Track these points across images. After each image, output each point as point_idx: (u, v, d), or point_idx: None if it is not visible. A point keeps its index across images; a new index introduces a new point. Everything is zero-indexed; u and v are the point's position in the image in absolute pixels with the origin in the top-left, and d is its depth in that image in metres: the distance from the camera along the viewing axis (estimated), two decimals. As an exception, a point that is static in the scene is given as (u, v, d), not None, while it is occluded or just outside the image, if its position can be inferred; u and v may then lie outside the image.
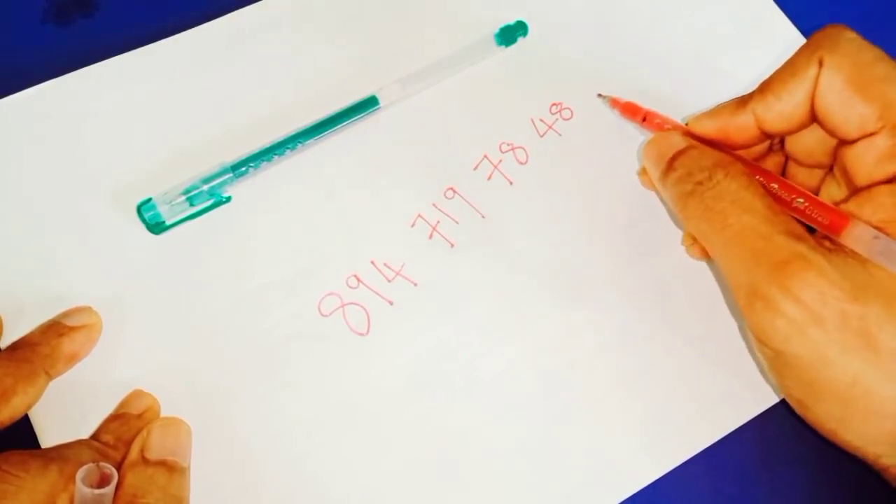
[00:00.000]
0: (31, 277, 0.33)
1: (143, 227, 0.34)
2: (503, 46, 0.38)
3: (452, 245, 0.35)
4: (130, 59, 0.37)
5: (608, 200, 0.36)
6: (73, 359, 0.31)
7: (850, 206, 0.29)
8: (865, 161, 0.29)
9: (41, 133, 0.36)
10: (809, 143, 0.32)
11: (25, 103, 0.36)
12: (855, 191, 0.29)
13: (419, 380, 0.33)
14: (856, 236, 0.28)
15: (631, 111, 0.36)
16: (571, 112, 0.38)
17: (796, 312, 0.26)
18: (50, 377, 0.30)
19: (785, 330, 0.26)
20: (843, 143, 0.30)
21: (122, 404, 0.31)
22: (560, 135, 0.37)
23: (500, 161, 0.37)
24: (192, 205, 0.34)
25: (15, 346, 0.30)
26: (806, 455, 0.32)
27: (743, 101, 0.31)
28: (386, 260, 0.35)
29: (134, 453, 0.29)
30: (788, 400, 0.29)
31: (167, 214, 0.34)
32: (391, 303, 0.34)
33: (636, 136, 0.37)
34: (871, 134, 0.28)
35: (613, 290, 0.34)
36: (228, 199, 0.35)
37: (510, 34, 0.38)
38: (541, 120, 0.37)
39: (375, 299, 0.34)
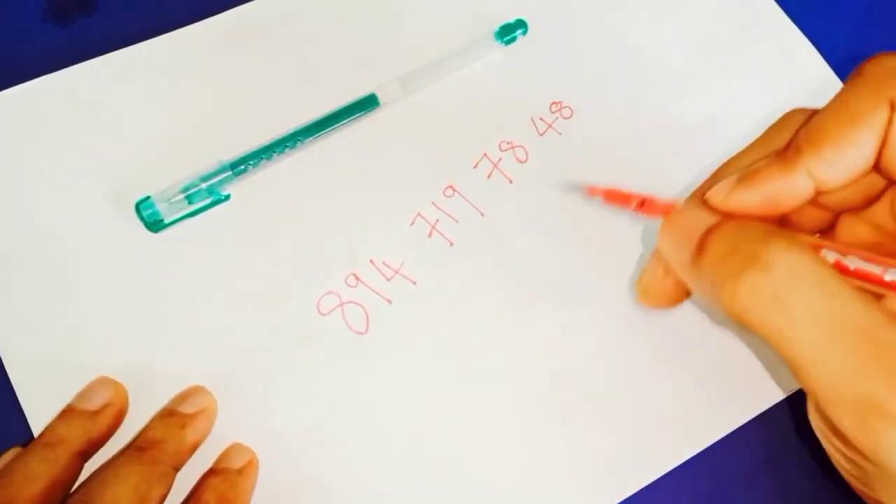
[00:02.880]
0: (27, 274, 0.33)
1: (141, 225, 0.34)
2: (503, 44, 0.38)
3: (452, 244, 0.35)
4: (128, 55, 0.37)
5: (608, 199, 0.36)
6: (196, 447, 0.30)
7: None
8: None
9: (38, 129, 0.36)
10: (848, 193, 0.26)
11: (22, 98, 0.36)
12: None
13: (418, 379, 0.33)
14: None
15: (619, 199, 0.29)
16: (571, 111, 0.38)
17: None
18: (177, 471, 0.29)
19: None
20: None
21: (221, 458, 0.30)
22: (560, 133, 0.37)
23: (500, 160, 0.37)
24: (190, 203, 0.34)
25: (140, 447, 0.29)
26: (807, 454, 0.32)
27: (788, 160, 0.24)
28: (385, 258, 0.34)
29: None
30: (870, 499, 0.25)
31: (166, 213, 0.33)
32: (390, 301, 0.34)
33: (637, 135, 0.37)
34: None
35: (613, 289, 0.34)
36: (227, 197, 0.35)
37: (510, 32, 0.38)
38: (541, 119, 0.37)
39: (374, 298, 0.34)
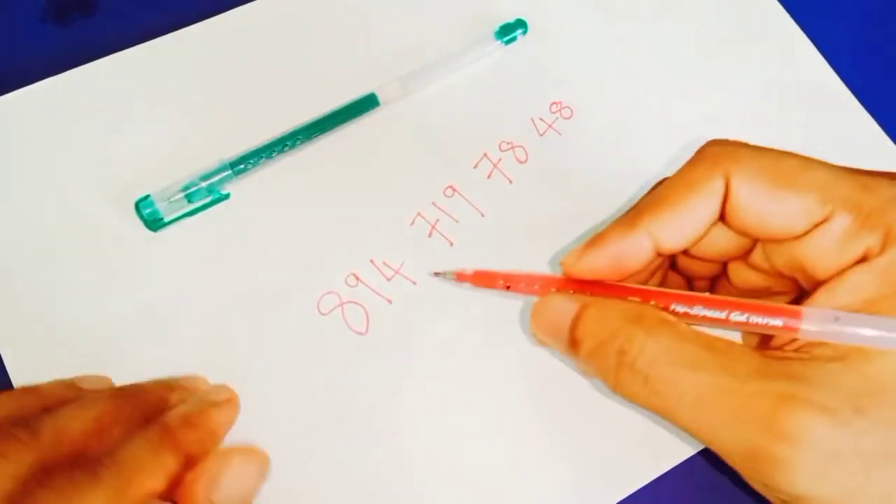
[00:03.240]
0: (27, 274, 0.33)
1: (141, 224, 0.34)
2: (503, 44, 0.38)
3: (452, 244, 0.35)
4: (129, 56, 0.37)
5: (608, 200, 0.36)
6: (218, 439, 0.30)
7: (819, 299, 0.25)
8: (825, 248, 0.25)
9: (39, 130, 0.36)
10: (709, 248, 0.29)
11: (23, 101, 0.36)
12: (816, 283, 0.26)
13: (418, 378, 0.32)
14: (820, 321, 0.24)
15: (485, 280, 0.30)
16: (571, 111, 0.38)
17: (811, 459, 0.23)
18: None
19: (805, 480, 0.23)
20: (774, 241, 0.27)
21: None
22: (560, 134, 0.37)
23: (500, 160, 0.36)
24: (190, 202, 0.34)
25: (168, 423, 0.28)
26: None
27: (630, 222, 0.27)
28: (385, 258, 0.34)
29: (200, 494, 0.27)
30: None
31: (165, 211, 0.33)
32: (390, 301, 0.34)
33: (637, 136, 0.37)
34: (822, 222, 0.25)
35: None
36: (227, 196, 0.35)
37: (510, 32, 0.38)
38: (541, 119, 0.37)
39: (374, 298, 0.34)
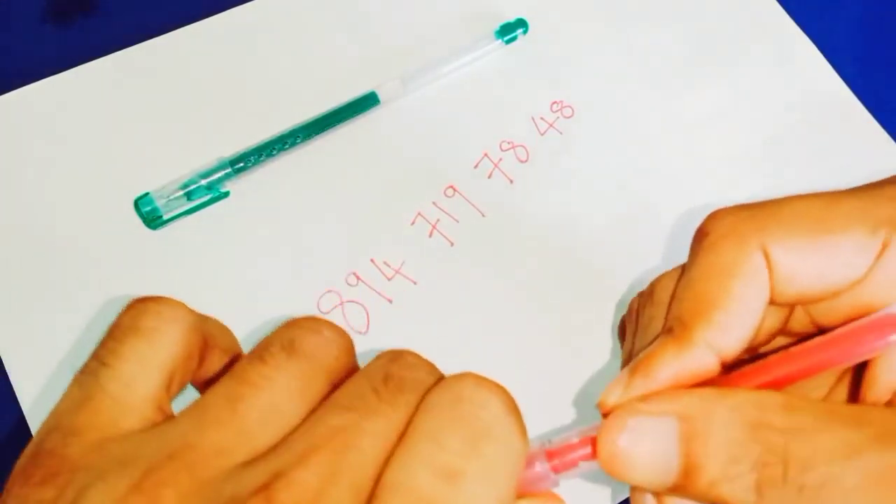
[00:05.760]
0: (27, 271, 0.33)
1: (140, 222, 0.34)
2: (504, 43, 0.38)
3: (452, 244, 0.35)
4: (129, 56, 0.37)
5: (608, 199, 0.36)
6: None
7: None
8: (892, 280, 0.22)
9: (39, 129, 0.36)
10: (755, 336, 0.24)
11: (23, 100, 0.36)
12: None
13: (418, 378, 0.32)
14: None
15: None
16: (572, 110, 0.37)
17: None
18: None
19: None
20: (831, 296, 0.23)
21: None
22: (561, 133, 0.37)
23: (501, 159, 0.36)
24: (189, 200, 0.34)
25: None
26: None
27: (680, 338, 0.22)
28: (385, 258, 0.34)
29: None
30: None
31: (165, 209, 0.33)
32: (391, 301, 0.34)
33: (638, 134, 0.37)
34: (882, 251, 0.22)
35: (613, 289, 0.34)
36: (226, 194, 0.34)
37: (510, 31, 0.38)
38: (541, 118, 0.37)
39: (375, 297, 0.34)
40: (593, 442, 0.21)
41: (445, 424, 0.18)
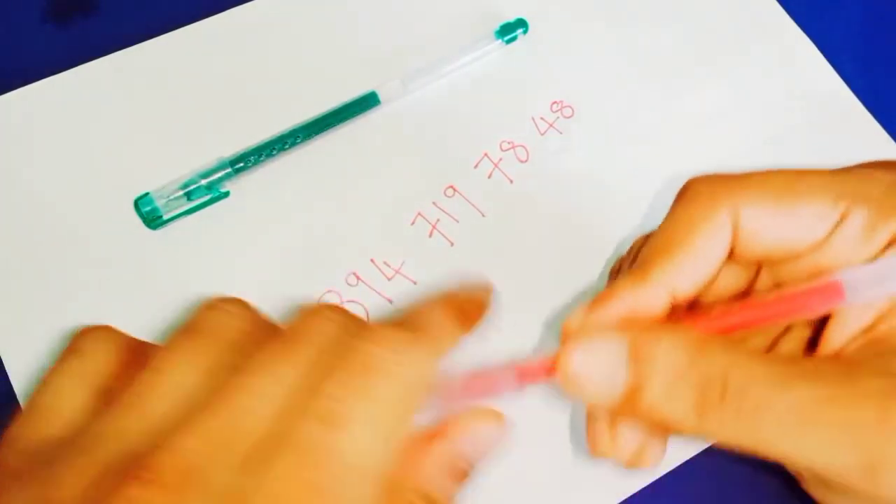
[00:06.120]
0: (27, 272, 0.33)
1: (140, 222, 0.34)
2: (504, 43, 0.38)
3: (452, 244, 0.35)
4: (128, 55, 0.37)
5: (609, 199, 0.36)
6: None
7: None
8: (848, 247, 0.24)
9: (38, 129, 0.36)
10: (715, 291, 0.27)
11: (23, 100, 0.36)
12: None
13: (418, 378, 0.32)
14: (857, 283, 0.23)
15: (482, 387, 0.25)
16: (572, 110, 0.37)
17: None
18: None
19: None
20: (789, 259, 0.25)
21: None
22: (561, 133, 0.37)
23: (501, 160, 0.36)
24: (189, 200, 0.34)
25: None
26: (809, 454, 0.32)
27: (640, 275, 0.24)
28: (385, 258, 0.34)
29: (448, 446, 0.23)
30: None
31: (165, 209, 0.33)
32: (391, 301, 0.34)
33: (638, 134, 0.37)
34: (840, 221, 0.24)
35: (614, 289, 0.34)
36: (227, 194, 0.34)
37: (510, 31, 0.38)
38: (541, 118, 0.37)
39: (375, 297, 0.34)
40: (553, 362, 0.23)
41: (327, 372, 0.19)
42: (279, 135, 0.35)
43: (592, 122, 0.37)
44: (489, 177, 0.36)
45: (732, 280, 0.27)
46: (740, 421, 0.21)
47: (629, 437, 0.25)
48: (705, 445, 0.32)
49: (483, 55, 0.38)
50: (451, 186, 0.36)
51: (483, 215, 0.35)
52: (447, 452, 0.23)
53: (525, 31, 0.38)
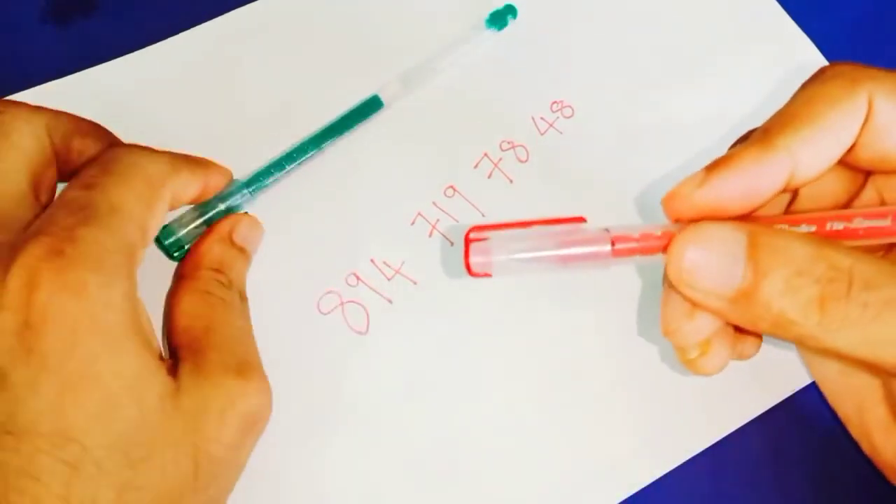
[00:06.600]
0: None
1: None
2: (496, 31, 0.38)
3: (452, 244, 0.35)
4: (129, 61, 0.37)
5: (609, 199, 0.36)
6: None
7: None
8: None
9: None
10: (818, 194, 0.26)
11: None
12: None
13: (418, 378, 0.32)
14: None
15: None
16: (573, 110, 0.37)
17: None
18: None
19: None
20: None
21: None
22: (561, 133, 0.37)
23: (501, 159, 0.36)
24: (208, 225, 0.32)
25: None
26: (810, 454, 0.32)
27: (766, 141, 0.22)
28: (385, 258, 0.34)
29: (223, 230, 0.31)
30: None
31: (186, 239, 0.32)
32: (391, 301, 0.34)
33: (638, 134, 0.37)
34: None
35: (613, 289, 0.34)
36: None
37: (501, 18, 0.38)
38: (542, 118, 0.37)
39: (375, 297, 0.34)
40: (651, 238, 0.22)
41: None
42: (290, 150, 0.35)
43: (592, 122, 0.37)
44: (489, 177, 0.36)
45: (837, 186, 0.25)
46: (865, 317, 0.20)
47: (704, 322, 0.23)
48: (703, 447, 0.32)
49: (477, 44, 0.38)
50: (451, 186, 0.36)
51: (483, 215, 0.35)
52: (222, 233, 0.31)
53: (514, 17, 0.38)
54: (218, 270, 0.30)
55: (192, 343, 0.28)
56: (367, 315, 0.33)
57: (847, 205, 0.26)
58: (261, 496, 0.30)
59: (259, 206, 0.35)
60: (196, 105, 0.37)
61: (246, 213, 0.33)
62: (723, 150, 0.37)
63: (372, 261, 0.34)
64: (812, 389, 0.33)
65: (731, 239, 0.21)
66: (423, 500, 0.31)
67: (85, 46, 0.38)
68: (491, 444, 0.32)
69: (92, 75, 0.37)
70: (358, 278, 0.34)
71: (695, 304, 0.22)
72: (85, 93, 0.37)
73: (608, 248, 0.22)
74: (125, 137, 0.35)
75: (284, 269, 0.34)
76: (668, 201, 0.23)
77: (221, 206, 0.33)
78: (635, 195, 0.36)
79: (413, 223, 0.35)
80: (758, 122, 0.37)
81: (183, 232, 0.32)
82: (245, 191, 0.33)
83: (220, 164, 0.32)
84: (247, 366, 0.28)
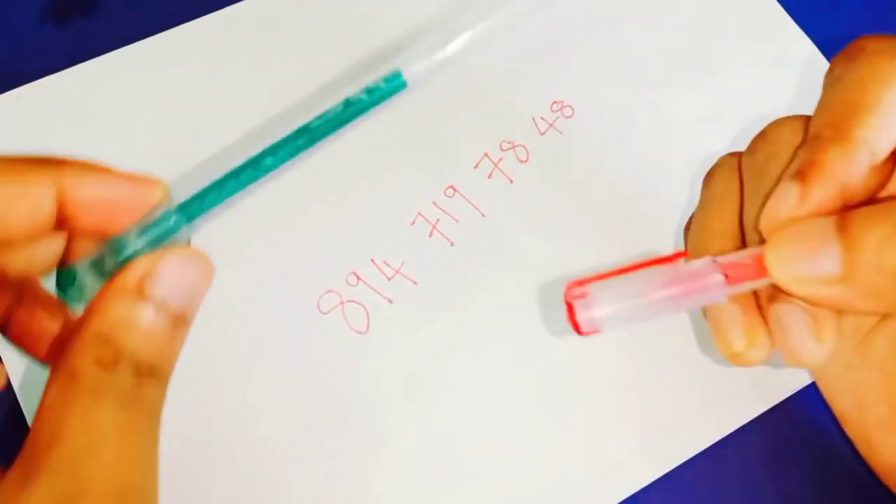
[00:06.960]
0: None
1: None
2: None
3: (452, 243, 0.35)
4: (127, 54, 0.37)
5: (609, 199, 0.36)
6: None
7: None
8: None
9: (38, 129, 0.36)
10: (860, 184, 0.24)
11: (22, 100, 0.36)
12: None
13: (418, 378, 0.32)
14: None
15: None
16: (573, 110, 0.37)
17: None
18: None
19: None
20: None
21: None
22: (561, 133, 0.37)
23: (501, 159, 0.36)
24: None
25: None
26: (809, 454, 0.32)
27: (841, 139, 0.21)
28: (385, 258, 0.34)
29: (129, 277, 0.20)
30: None
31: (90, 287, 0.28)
32: (391, 301, 0.34)
33: (638, 134, 0.37)
34: None
35: (614, 289, 0.34)
36: None
37: None
38: (542, 118, 0.37)
39: (375, 297, 0.34)
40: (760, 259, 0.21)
41: None
42: (287, 142, 0.34)
43: (592, 122, 0.37)
44: (489, 177, 0.36)
45: (876, 174, 0.23)
46: None
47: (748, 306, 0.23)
48: (703, 447, 0.32)
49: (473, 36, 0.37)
50: (451, 186, 0.36)
51: (483, 215, 0.35)
52: (125, 283, 0.20)
53: None
54: (104, 341, 0.19)
55: (33, 453, 0.19)
56: (367, 315, 0.33)
57: (882, 186, 0.24)
58: (261, 496, 0.30)
59: (258, 206, 0.35)
60: (196, 99, 0.37)
61: (187, 244, 0.23)
62: (723, 150, 0.37)
63: (372, 260, 0.34)
64: (812, 390, 0.33)
65: (817, 223, 0.21)
66: (423, 500, 0.31)
67: (85, 46, 0.38)
68: (491, 443, 0.32)
69: (88, 69, 0.37)
70: (358, 278, 0.34)
71: (814, 303, 0.21)
72: (80, 87, 0.37)
73: (721, 278, 0.21)
74: (124, 129, 0.36)
75: (284, 269, 0.34)
76: (769, 226, 0.22)
77: (138, 243, 0.22)
78: (635, 195, 0.36)
79: (413, 223, 0.35)
80: (758, 122, 0.38)
81: (85, 278, 0.23)
82: (176, 217, 0.23)
83: (143, 175, 0.23)
84: None
